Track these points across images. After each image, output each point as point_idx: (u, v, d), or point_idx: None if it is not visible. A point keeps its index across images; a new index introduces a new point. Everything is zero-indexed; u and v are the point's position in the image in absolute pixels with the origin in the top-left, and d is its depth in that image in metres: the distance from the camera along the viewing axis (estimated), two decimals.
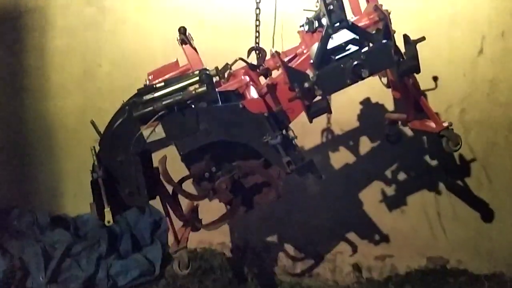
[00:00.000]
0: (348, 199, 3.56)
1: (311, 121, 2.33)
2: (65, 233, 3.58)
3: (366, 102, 3.40)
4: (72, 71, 3.79)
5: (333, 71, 2.19)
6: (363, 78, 2.17)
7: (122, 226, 3.66)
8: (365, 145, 3.48)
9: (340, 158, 3.52)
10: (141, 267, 3.48)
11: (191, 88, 2.11)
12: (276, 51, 2.39)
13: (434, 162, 3.44)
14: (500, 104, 3.29)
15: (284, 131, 2.27)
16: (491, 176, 3.35)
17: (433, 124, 2.62)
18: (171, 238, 3.70)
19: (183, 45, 2.49)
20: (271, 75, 2.46)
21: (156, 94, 2.10)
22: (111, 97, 3.72)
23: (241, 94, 2.36)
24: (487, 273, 3.35)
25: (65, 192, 3.96)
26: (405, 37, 2.43)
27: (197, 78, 2.10)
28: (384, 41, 2.22)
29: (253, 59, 2.61)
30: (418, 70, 2.45)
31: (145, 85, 2.26)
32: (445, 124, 2.58)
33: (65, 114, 3.86)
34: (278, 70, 2.47)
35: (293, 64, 2.40)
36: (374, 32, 2.31)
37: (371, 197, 3.54)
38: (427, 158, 3.44)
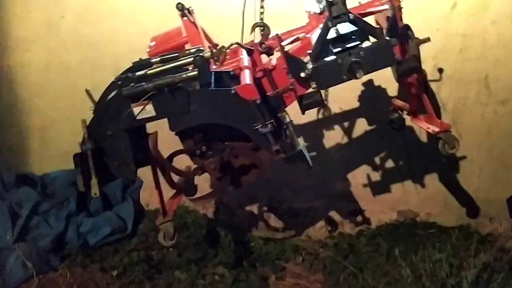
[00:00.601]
0: (321, 156, 3.56)
1: (303, 113, 2.30)
2: (31, 191, 3.48)
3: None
4: (34, 23, 3.60)
5: (330, 66, 2.11)
6: (357, 78, 2.09)
7: None
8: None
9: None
10: (113, 224, 3.43)
11: (184, 68, 2.09)
12: (277, 34, 2.32)
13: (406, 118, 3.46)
14: (472, 59, 3.30)
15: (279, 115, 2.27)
16: (461, 131, 3.38)
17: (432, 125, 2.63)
18: (143, 196, 3.72)
19: (183, 18, 2.47)
20: (273, 53, 2.42)
21: (149, 72, 2.08)
22: (76, 50, 3.59)
23: (236, 75, 2.28)
24: (455, 225, 3.44)
25: (29, 150, 3.83)
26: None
27: (191, 59, 2.07)
28: (387, 38, 2.14)
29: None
30: (419, 71, 2.44)
31: (140, 59, 2.25)
32: (444, 127, 2.57)
33: (28, 69, 3.69)
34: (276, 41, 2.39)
35: (294, 48, 2.35)
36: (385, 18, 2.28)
37: (344, 154, 3.55)
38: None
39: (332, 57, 2.11)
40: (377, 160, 3.54)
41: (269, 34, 2.49)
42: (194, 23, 2.50)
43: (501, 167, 3.44)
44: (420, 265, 2.73)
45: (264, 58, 2.47)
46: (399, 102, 3.03)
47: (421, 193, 3.55)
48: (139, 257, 3.32)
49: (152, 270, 3.28)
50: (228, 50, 2.24)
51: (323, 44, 2.12)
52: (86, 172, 2.14)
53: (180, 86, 2.05)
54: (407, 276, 2.68)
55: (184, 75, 2.03)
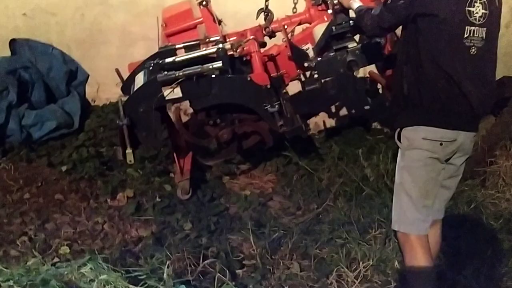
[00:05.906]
0: None
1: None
2: None
3: None
4: None
5: (330, 61, 2.58)
6: (353, 73, 2.60)
7: (32, 74, 3.26)
8: None
9: None
10: (58, 119, 3.22)
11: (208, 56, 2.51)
12: (284, 26, 2.73)
13: None
14: None
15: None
16: None
17: None
18: (89, 91, 3.49)
19: (201, 7, 2.75)
20: (275, 36, 2.86)
21: (177, 59, 2.51)
22: None
23: (248, 60, 2.65)
24: None
25: None
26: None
27: (214, 51, 2.48)
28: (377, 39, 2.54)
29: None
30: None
31: (166, 45, 2.72)
32: None
33: None
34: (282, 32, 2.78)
35: (296, 37, 2.80)
36: None
37: None
38: None
39: (333, 53, 2.56)
40: None
41: (272, 19, 2.82)
42: (211, 13, 2.77)
43: None
44: (381, 166, 2.85)
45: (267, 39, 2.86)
46: (376, 76, 2.98)
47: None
48: (88, 153, 3.18)
49: (102, 167, 3.17)
50: (244, 43, 2.59)
51: (325, 44, 2.59)
52: (123, 143, 2.54)
53: (206, 74, 2.46)
54: (370, 176, 2.80)
55: (211, 66, 2.45)
